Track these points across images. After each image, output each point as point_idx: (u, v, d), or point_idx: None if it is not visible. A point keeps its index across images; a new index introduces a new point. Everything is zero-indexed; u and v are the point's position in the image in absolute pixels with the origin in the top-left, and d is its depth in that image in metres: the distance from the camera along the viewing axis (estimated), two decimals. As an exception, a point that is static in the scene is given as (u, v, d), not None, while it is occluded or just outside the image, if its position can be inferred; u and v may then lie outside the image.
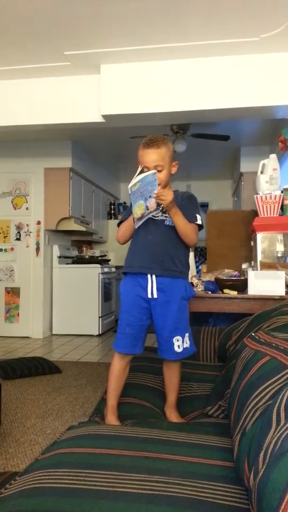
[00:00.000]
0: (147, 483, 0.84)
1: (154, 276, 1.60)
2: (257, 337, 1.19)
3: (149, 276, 1.60)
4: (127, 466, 0.92)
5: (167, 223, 1.62)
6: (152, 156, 1.57)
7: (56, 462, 0.98)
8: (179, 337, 1.63)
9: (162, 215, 1.64)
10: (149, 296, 1.61)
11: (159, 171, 1.57)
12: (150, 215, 1.57)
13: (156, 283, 1.60)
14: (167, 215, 1.62)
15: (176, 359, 1.66)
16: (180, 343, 1.63)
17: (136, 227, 1.61)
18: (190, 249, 1.79)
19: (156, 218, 1.63)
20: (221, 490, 0.84)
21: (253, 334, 1.24)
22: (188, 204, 1.67)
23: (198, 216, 1.67)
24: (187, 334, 1.66)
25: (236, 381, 1.13)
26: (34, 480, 0.90)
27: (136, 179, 1.50)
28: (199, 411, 1.55)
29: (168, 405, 1.65)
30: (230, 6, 2.42)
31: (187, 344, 1.66)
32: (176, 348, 1.63)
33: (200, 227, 1.69)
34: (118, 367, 1.65)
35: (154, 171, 1.52)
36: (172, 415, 1.62)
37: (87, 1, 2.37)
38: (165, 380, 1.70)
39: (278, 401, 0.82)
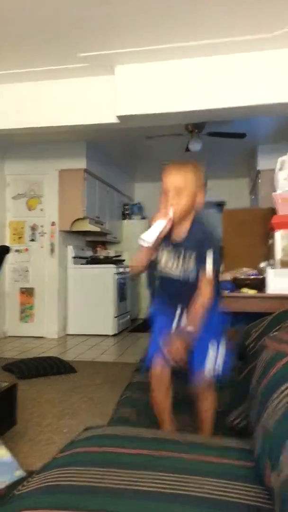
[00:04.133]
0: (167, 482, 0.82)
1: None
2: (278, 337, 1.16)
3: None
4: (146, 465, 0.90)
5: (176, 278, 1.55)
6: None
7: (73, 461, 0.97)
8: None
9: (172, 271, 1.56)
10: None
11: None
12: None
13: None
14: (176, 272, 1.55)
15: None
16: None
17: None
18: None
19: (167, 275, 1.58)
20: (243, 489, 0.82)
21: (273, 334, 1.21)
22: (201, 255, 1.49)
23: (208, 266, 1.47)
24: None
25: (256, 381, 1.10)
26: (52, 478, 0.89)
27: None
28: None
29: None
30: (243, 2, 2.39)
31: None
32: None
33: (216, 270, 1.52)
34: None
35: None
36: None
37: (101, 2, 2.37)
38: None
39: (302, 400, 0.79)
